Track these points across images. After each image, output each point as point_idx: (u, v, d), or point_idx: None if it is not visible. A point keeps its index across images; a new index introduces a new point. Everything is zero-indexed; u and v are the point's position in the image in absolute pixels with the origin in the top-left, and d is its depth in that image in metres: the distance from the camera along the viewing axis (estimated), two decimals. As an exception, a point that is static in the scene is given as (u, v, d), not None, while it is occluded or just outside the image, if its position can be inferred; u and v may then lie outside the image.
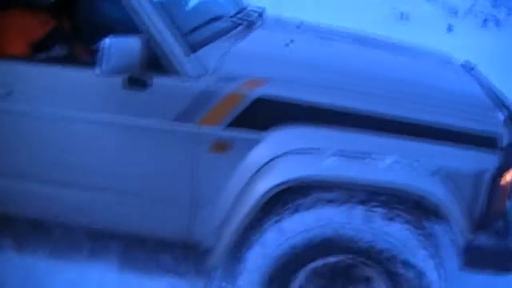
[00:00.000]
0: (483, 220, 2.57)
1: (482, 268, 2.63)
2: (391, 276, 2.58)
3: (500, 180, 2.51)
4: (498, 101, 2.81)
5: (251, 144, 2.62)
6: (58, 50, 3.07)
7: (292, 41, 3.08)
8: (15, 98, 2.78)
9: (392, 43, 3.58)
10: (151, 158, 2.73)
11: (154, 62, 2.62)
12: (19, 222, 3.20)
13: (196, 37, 2.81)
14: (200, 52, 2.72)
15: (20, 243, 3.27)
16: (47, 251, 3.23)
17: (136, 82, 2.62)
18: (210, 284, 2.76)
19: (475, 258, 2.59)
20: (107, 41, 2.46)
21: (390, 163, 2.49)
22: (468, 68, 3.32)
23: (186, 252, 3.25)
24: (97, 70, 2.49)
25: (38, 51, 3.02)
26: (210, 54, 2.75)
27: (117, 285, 3.08)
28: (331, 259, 2.62)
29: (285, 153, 2.56)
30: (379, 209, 2.51)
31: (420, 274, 2.53)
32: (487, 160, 2.53)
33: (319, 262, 2.62)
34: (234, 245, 2.66)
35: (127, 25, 2.86)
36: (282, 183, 2.50)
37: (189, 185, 2.72)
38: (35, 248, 3.24)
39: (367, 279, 2.68)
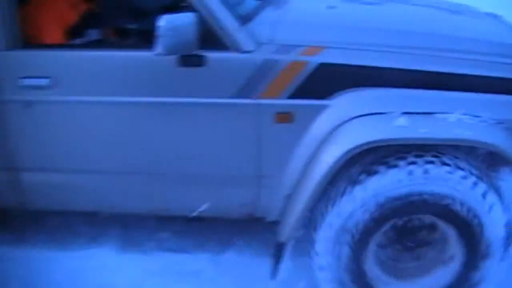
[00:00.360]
0: None
1: None
2: (461, 230, 2.63)
3: None
4: None
5: (316, 112, 2.61)
6: (92, 34, 2.97)
7: (333, 6, 3.06)
8: (60, 88, 2.69)
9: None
10: (214, 136, 2.69)
11: (208, 38, 2.56)
12: (16, 215, 3.18)
13: (243, 9, 2.78)
14: (251, 24, 2.69)
15: (19, 237, 3.23)
16: (46, 241, 3.22)
17: (193, 59, 2.56)
18: (281, 257, 2.74)
19: None
20: (163, 20, 2.39)
21: (458, 118, 2.53)
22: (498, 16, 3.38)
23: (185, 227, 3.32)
24: (157, 50, 2.43)
25: (73, 36, 2.92)
26: (261, 25, 2.72)
27: (119, 267, 3.07)
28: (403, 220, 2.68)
29: (354, 118, 2.56)
30: (447, 163, 2.55)
31: (484, 223, 2.59)
32: None
33: (394, 223, 2.67)
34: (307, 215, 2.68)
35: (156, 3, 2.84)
36: (358, 146, 2.50)
37: (254, 160, 2.70)
38: (34, 240, 3.22)
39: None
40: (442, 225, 2.66)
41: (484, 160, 2.81)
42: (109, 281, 3.00)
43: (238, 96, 2.61)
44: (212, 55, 2.58)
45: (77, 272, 3.05)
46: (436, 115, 2.54)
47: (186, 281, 3.03)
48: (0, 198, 2.95)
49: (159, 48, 2.42)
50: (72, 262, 3.10)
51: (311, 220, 2.72)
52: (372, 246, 2.70)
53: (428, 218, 2.68)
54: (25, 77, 2.69)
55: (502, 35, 3.02)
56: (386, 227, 2.65)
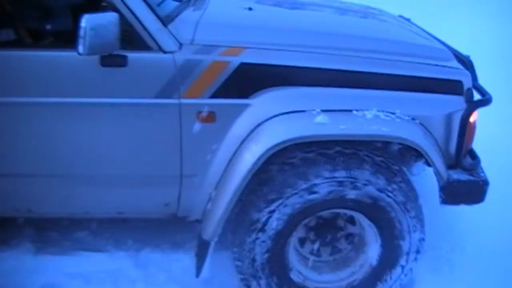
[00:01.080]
0: (456, 158, 2.80)
1: (459, 201, 2.87)
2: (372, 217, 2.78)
3: (467, 119, 2.74)
4: (450, 50, 3.04)
5: (237, 111, 2.65)
6: (5, 35, 2.88)
7: (252, 8, 3.12)
8: None
9: (336, 3, 3.70)
10: (137, 136, 2.68)
11: (130, 39, 2.56)
12: None
13: (164, 10, 2.76)
14: (172, 25, 2.69)
15: None
16: None
17: (115, 59, 2.54)
18: (205, 255, 2.77)
19: (452, 194, 2.80)
20: (84, 20, 2.36)
21: (375, 115, 2.63)
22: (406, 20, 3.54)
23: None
24: (79, 50, 2.39)
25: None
26: (182, 26, 2.72)
27: (35, 269, 3.04)
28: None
29: (274, 116, 2.62)
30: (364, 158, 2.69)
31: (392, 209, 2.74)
32: (456, 103, 2.76)
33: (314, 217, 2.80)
34: (231, 212, 2.71)
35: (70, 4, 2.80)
36: (279, 144, 2.56)
37: (177, 159, 2.71)
38: None
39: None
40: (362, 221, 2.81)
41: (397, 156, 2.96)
42: (24, 284, 2.94)
43: (161, 96, 2.61)
44: (134, 56, 2.57)
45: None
46: (354, 112, 2.64)
47: (105, 281, 3.01)
48: None
49: (80, 48, 2.39)
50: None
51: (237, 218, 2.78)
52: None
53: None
54: None
55: (413, 37, 3.17)
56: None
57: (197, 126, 2.65)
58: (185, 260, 3.14)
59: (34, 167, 2.74)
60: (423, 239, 2.83)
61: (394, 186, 2.67)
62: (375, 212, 2.72)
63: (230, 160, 2.69)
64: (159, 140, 2.69)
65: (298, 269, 2.92)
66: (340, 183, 2.64)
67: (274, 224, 2.70)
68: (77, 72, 2.59)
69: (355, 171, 2.64)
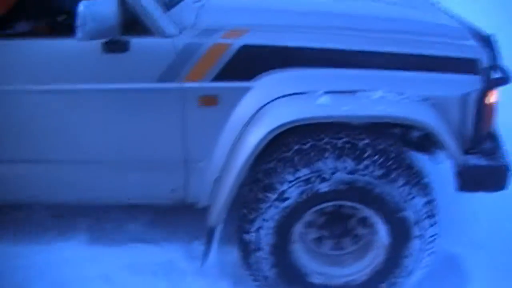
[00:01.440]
0: (473, 142, 2.65)
1: (477, 188, 2.70)
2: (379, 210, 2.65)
3: (485, 100, 2.58)
4: (470, 29, 2.89)
5: (240, 94, 2.61)
6: (23, 26, 2.96)
7: None
8: None
9: None
10: (141, 121, 2.68)
11: (131, 24, 2.57)
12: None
13: None
14: (175, 10, 2.70)
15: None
16: (12, 237, 3.21)
17: (117, 45, 2.55)
18: (211, 242, 2.75)
19: (469, 179, 2.65)
20: (82, 5, 2.38)
21: (381, 96, 2.53)
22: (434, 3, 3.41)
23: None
24: (78, 35, 2.41)
25: (2, 28, 2.91)
26: (184, 11, 2.73)
27: (89, 260, 3.07)
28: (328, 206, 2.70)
29: (277, 98, 2.56)
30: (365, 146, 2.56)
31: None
32: (471, 82, 2.60)
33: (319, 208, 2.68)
34: (234, 200, 2.67)
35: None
36: (280, 126, 2.51)
37: (181, 144, 2.69)
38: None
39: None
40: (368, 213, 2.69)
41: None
42: (79, 274, 3.00)
43: (163, 80, 2.60)
44: (135, 40, 2.58)
45: (45, 267, 3.04)
46: (359, 93, 2.55)
47: (157, 273, 3.03)
48: None
49: (79, 33, 2.41)
50: (40, 257, 3.09)
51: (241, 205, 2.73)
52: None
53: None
54: None
55: (426, 16, 3.05)
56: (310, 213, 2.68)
57: (200, 109, 2.63)
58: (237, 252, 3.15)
59: (41, 154, 2.78)
60: (430, 202, 2.63)
61: (366, 162, 2.51)
62: (358, 194, 2.58)
63: (234, 144, 2.65)
64: (163, 124, 2.68)
65: (316, 270, 2.83)
66: (307, 181, 2.55)
67: (265, 240, 2.67)
68: (80, 59, 2.62)
69: (316, 164, 2.53)
